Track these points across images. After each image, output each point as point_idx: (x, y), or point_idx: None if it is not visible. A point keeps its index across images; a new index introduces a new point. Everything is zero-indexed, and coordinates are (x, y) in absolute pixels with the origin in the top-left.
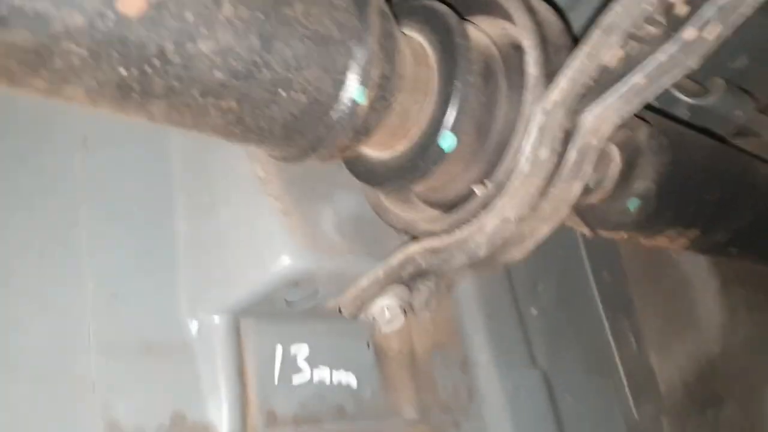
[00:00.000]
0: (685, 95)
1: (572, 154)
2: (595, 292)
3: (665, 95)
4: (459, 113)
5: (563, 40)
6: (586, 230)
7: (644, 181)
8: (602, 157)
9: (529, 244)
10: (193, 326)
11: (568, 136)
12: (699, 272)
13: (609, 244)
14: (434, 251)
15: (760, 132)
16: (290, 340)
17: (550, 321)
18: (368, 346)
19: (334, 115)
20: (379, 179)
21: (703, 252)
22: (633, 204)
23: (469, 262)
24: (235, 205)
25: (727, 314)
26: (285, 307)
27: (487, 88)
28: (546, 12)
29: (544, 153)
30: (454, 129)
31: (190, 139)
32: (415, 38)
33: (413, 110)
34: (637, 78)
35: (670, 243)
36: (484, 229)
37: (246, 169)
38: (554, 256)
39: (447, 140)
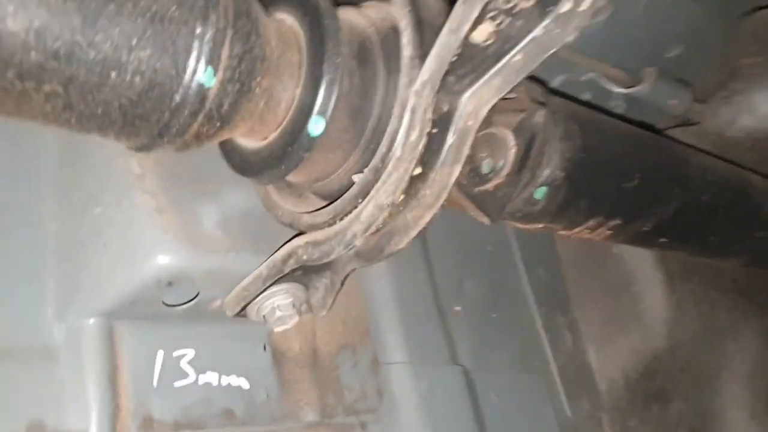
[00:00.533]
0: (617, 86)
1: (450, 138)
2: (528, 289)
3: (598, 89)
4: (328, 97)
5: (442, 20)
6: (484, 219)
7: (550, 169)
8: (494, 141)
9: (413, 232)
10: (60, 330)
11: (446, 119)
12: (643, 266)
13: (544, 240)
14: (315, 244)
15: (699, 121)
16: (174, 343)
17: (476, 318)
18: (264, 348)
19: (179, 98)
20: (253, 170)
21: (630, 242)
22: (540, 192)
23: (348, 252)
24: (107, 203)
25: (674, 308)
26: (165, 309)
27: (364, 72)
28: None
29: (415, 135)
30: (323, 113)
31: (66, 136)
32: (285, 21)
33: (282, 95)
34: (513, 55)
35: (591, 233)
36: (360, 218)
37: (120, 165)
38: (483, 252)
39: (315, 125)
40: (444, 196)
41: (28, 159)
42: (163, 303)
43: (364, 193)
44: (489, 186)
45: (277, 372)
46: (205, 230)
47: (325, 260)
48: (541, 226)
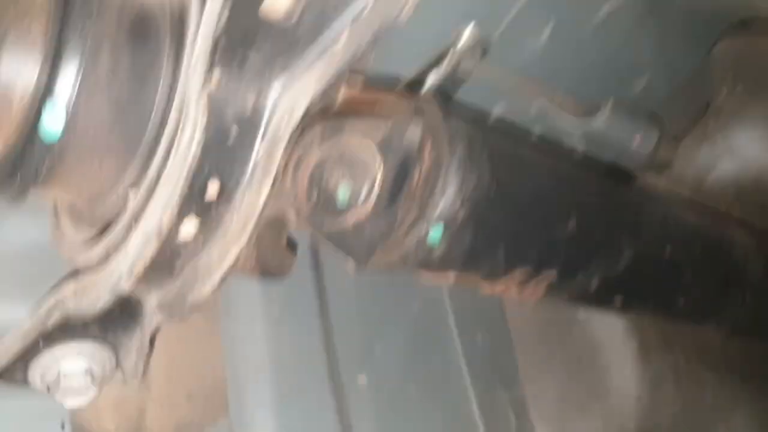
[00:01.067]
0: (570, 117)
1: (258, 144)
2: (461, 358)
3: (551, 125)
4: (73, 76)
5: None
6: (350, 265)
7: (445, 203)
8: (351, 159)
9: (217, 275)
10: None
11: (253, 118)
12: (613, 335)
13: (488, 300)
14: (83, 290)
15: (671, 162)
16: None
17: (386, 391)
18: (62, 427)
19: None
20: None
21: (579, 303)
22: (435, 234)
23: (117, 301)
24: None
25: (648, 386)
26: None
27: (139, 51)
28: None
29: (188, 132)
30: (64, 99)
31: None
32: None
33: (16, 78)
34: (333, 32)
35: (522, 289)
36: (127, 252)
37: None
38: (406, 311)
39: (52, 118)
40: (252, 223)
41: None
42: None
43: (139, 216)
44: (349, 219)
45: None
46: None
47: (94, 312)
48: (452, 277)
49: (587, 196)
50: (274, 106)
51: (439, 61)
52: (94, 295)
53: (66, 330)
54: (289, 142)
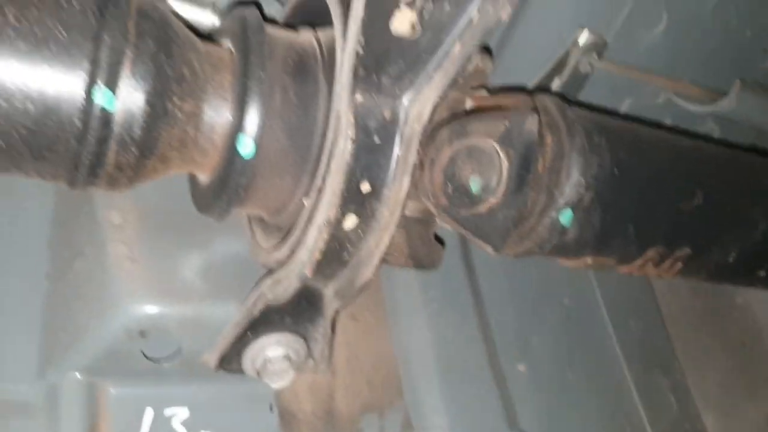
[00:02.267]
0: (695, 104)
1: (397, 148)
2: (616, 345)
3: (678, 111)
4: (254, 114)
5: None
6: (488, 249)
7: (570, 187)
8: (478, 155)
9: (376, 259)
10: (40, 386)
11: (389, 127)
12: None
13: (638, 288)
14: (276, 281)
15: None
16: (165, 402)
17: (545, 379)
18: (271, 408)
19: (80, 124)
20: (205, 204)
21: (720, 279)
22: (565, 217)
23: (327, 291)
24: (88, 256)
25: None
26: (151, 365)
27: (302, 88)
28: None
29: (341, 143)
30: (250, 132)
31: (61, 193)
32: (223, 45)
33: (215, 120)
34: (450, 44)
35: (658, 269)
36: (306, 243)
37: (101, 217)
38: (558, 304)
39: (243, 147)
40: (398, 213)
41: (26, 218)
42: (145, 356)
43: (312, 216)
44: (481, 208)
45: None
46: (181, 279)
47: (287, 297)
48: (589, 261)
49: (712, 170)
50: (406, 114)
51: (560, 66)
52: (285, 284)
53: (268, 322)
54: (420, 142)
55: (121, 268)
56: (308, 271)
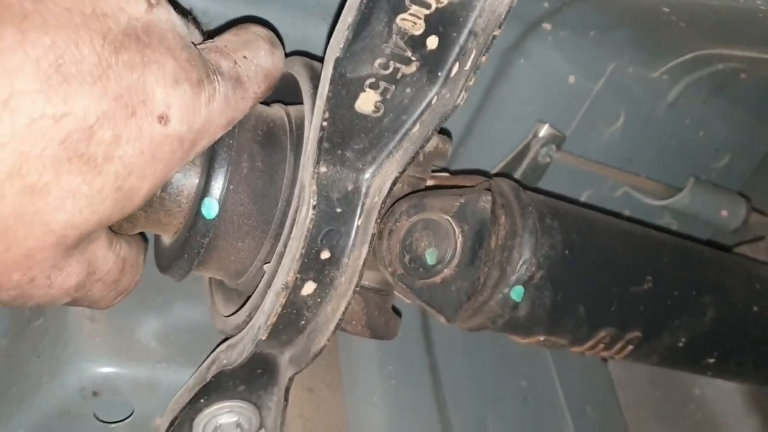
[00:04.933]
0: (653, 199)
1: (357, 218)
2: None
3: (636, 203)
4: (220, 178)
5: None
6: (440, 318)
7: (522, 265)
8: (435, 229)
9: (332, 326)
10: None
11: (351, 199)
12: (732, 411)
13: (597, 374)
14: (232, 346)
15: (763, 235)
16: None
17: None
18: None
19: None
20: (164, 265)
21: (670, 364)
22: (517, 293)
23: (283, 357)
24: (48, 315)
25: None
26: (100, 427)
27: (269, 156)
28: None
29: (304, 210)
30: (215, 195)
31: None
32: None
33: (183, 183)
34: (409, 126)
35: (610, 351)
36: (263, 308)
37: None
38: (514, 386)
39: (207, 208)
40: (356, 280)
41: None
42: (96, 418)
43: (270, 282)
44: (436, 279)
45: None
46: (139, 340)
47: (241, 362)
48: (541, 338)
49: (663, 257)
50: (368, 187)
51: (521, 156)
52: (239, 348)
53: (221, 388)
54: (379, 214)
55: (81, 327)
56: (263, 335)
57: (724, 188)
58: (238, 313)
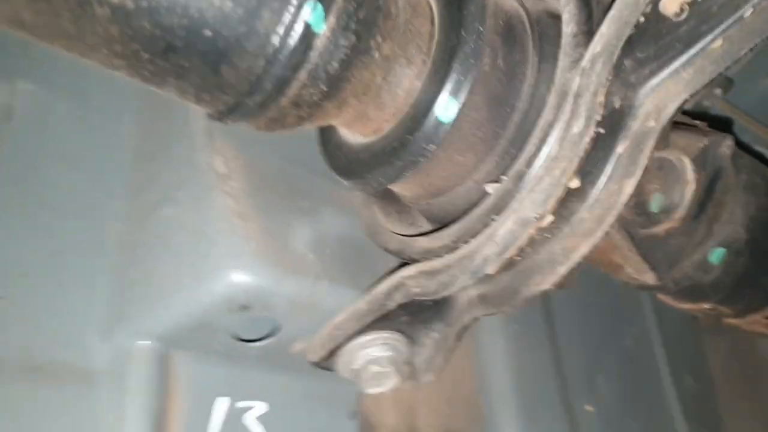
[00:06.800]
0: None
1: (621, 143)
2: (674, 398)
3: None
4: (464, 74)
5: None
6: (648, 276)
7: (733, 225)
8: (668, 170)
9: (561, 269)
10: (104, 351)
11: (616, 119)
12: None
13: (690, 342)
14: (430, 274)
15: None
16: (241, 391)
17: (610, 421)
18: (351, 416)
19: (277, 41)
20: (360, 168)
21: None
22: (716, 255)
23: (475, 285)
24: (182, 204)
25: None
26: (236, 345)
27: (509, 53)
28: None
29: (579, 126)
30: (456, 94)
31: (146, 126)
32: None
33: (405, 73)
34: (711, 39)
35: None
36: (494, 238)
37: (203, 162)
38: (620, 345)
39: (446, 109)
40: (608, 222)
41: (100, 151)
42: (233, 336)
43: (501, 207)
44: (658, 229)
45: None
46: (293, 249)
47: (444, 294)
48: (707, 306)
49: None
50: (641, 106)
51: None
52: (445, 278)
53: (387, 318)
54: (657, 143)
55: (230, 225)
56: (492, 269)
57: None
58: (433, 235)
